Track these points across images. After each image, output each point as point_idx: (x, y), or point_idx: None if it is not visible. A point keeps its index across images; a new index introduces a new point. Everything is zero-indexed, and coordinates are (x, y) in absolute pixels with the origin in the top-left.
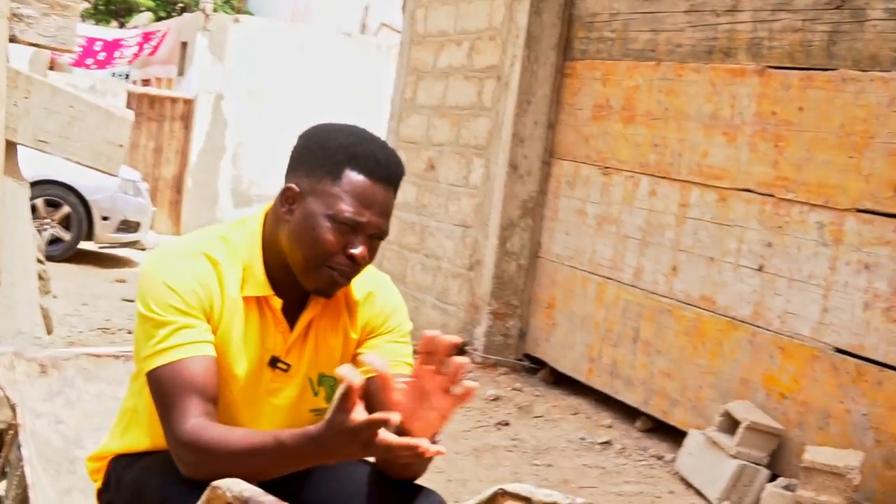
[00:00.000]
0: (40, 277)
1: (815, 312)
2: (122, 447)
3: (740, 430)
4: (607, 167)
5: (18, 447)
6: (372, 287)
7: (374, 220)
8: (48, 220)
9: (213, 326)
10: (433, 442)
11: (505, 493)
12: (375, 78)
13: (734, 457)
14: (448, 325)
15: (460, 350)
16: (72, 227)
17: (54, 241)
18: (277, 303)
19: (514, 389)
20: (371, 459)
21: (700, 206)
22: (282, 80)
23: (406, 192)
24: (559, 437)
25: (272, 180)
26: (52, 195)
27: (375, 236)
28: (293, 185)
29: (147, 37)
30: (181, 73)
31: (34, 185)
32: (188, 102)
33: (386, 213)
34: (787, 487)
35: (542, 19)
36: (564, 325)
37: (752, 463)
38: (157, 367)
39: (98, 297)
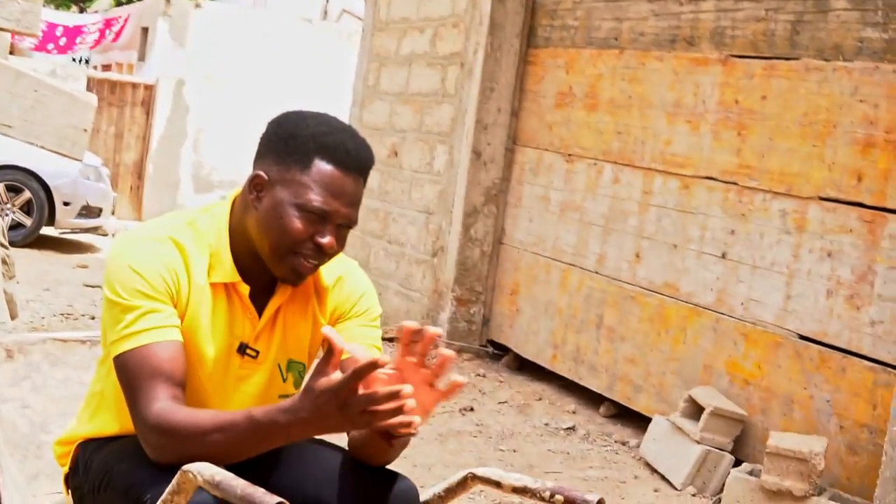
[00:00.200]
0: (4, 262)
1: (778, 299)
2: (90, 432)
3: (704, 415)
4: (570, 154)
5: None
6: (341, 272)
7: (342, 209)
8: (9, 206)
9: (181, 312)
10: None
11: (475, 478)
12: (337, 64)
13: (698, 442)
14: (412, 312)
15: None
16: (33, 213)
17: (15, 226)
18: (245, 289)
19: (479, 375)
20: (343, 445)
21: (663, 193)
22: (243, 65)
23: (369, 178)
24: (523, 422)
25: (233, 166)
26: (13, 180)
27: (344, 226)
28: (261, 173)
29: (109, 23)
30: (142, 58)
31: None
32: (149, 88)
33: (355, 202)
34: (751, 473)
35: (506, 6)
36: (528, 311)
37: (717, 448)
38: (124, 352)
39: (60, 282)
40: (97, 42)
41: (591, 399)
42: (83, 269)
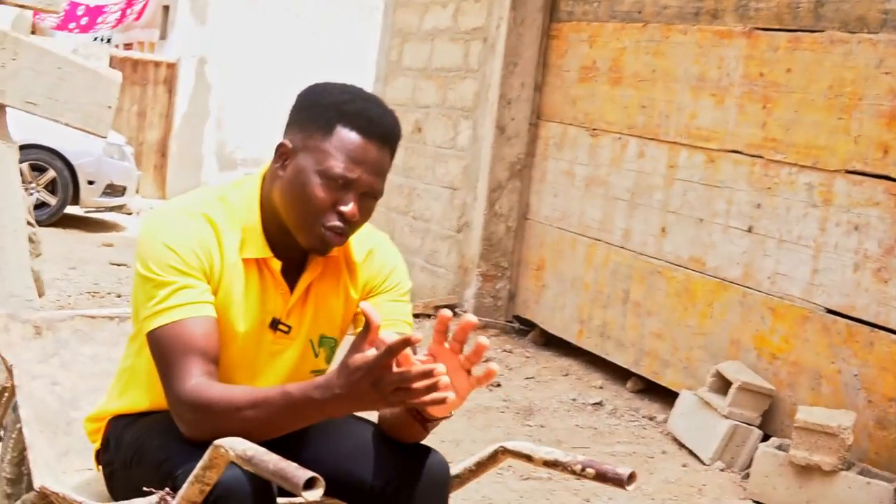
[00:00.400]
0: (31, 240)
1: (805, 273)
2: (121, 408)
3: (732, 390)
4: (595, 129)
5: (14, 409)
6: (371, 245)
7: (365, 177)
8: (33, 185)
9: (213, 288)
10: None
11: (506, 451)
12: (360, 40)
13: (726, 417)
14: (437, 288)
15: (453, 311)
16: (57, 192)
17: (40, 205)
18: (277, 264)
19: (505, 351)
20: (374, 420)
21: (688, 167)
22: (265, 42)
23: None
24: (551, 397)
25: (257, 144)
26: (38, 159)
27: (369, 195)
28: (286, 142)
29: (130, 2)
30: (163, 36)
31: (19, 149)
32: (171, 66)
33: (378, 171)
34: (779, 447)
35: None
36: (554, 286)
37: (745, 423)
38: (158, 328)
39: (86, 261)
40: (119, 21)
41: (618, 374)
42: (109, 248)
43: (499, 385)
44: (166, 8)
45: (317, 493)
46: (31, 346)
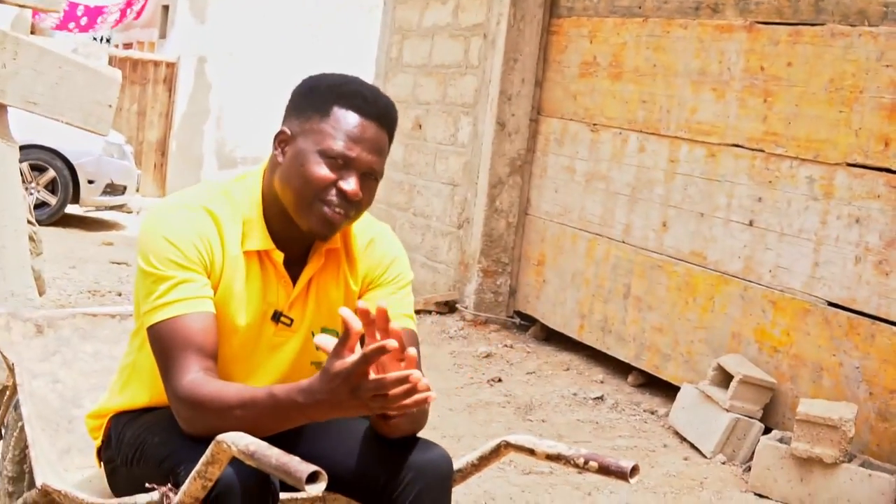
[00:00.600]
0: (31, 239)
1: (806, 266)
2: (121, 404)
3: (734, 383)
4: (595, 124)
5: (15, 407)
6: (372, 234)
7: (364, 155)
8: (34, 185)
9: (214, 281)
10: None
11: (509, 445)
12: (360, 38)
13: (728, 410)
14: (438, 284)
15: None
16: (58, 191)
17: (40, 205)
18: (279, 256)
19: (506, 346)
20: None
21: (689, 161)
22: (264, 41)
23: (393, 150)
24: (552, 392)
25: (257, 142)
26: (38, 159)
27: (369, 175)
28: (285, 129)
29: (130, 2)
30: (163, 36)
31: (19, 149)
32: (171, 65)
33: (377, 150)
34: (781, 440)
35: None
36: (555, 281)
37: (746, 416)
38: (158, 322)
39: (86, 260)
40: (118, 21)
41: (619, 368)
42: (109, 247)
43: (500, 380)
44: (166, 7)
45: (319, 487)
46: (32, 345)
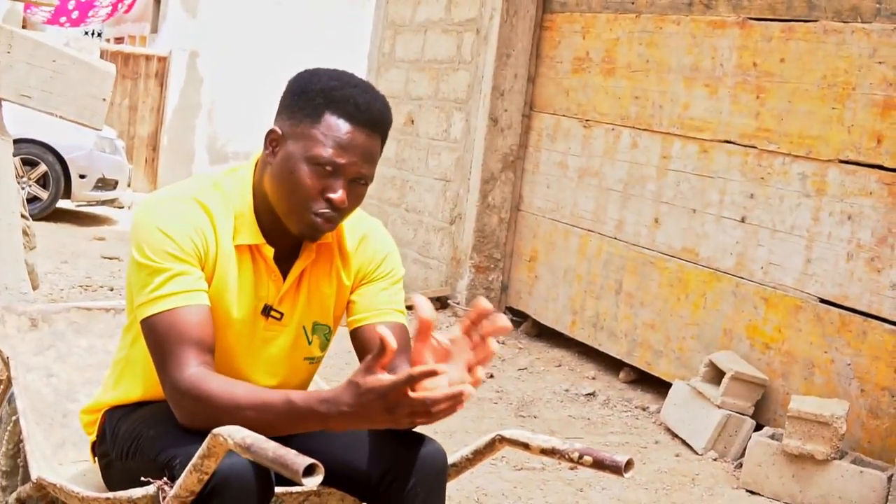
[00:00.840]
0: (25, 233)
1: (798, 263)
2: (115, 398)
3: (725, 380)
4: (588, 120)
5: (9, 402)
6: (364, 230)
7: (353, 163)
8: (25, 179)
9: (208, 274)
10: None
11: (503, 440)
12: (352, 32)
13: (719, 407)
14: (430, 279)
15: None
16: (49, 186)
17: (32, 199)
18: (269, 251)
19: (498, 342)
20: None
21: (682, 157)
22: (256, 35)
23: (386, 146)
24: (543, 388)
25: (248, 137)
26: (29, 154)
27: (358, 181)
28: (276, 129)
29: None
30: (154, 30)
31: None
32: (162, 60)
33: (367, 158)
34: (772, 437)
35: None
36: (547, 277)
37: (738, 413)
38: (153, 315)
39: (78, 255)
40: (109, 15)
41: (611, 365)
42: (100, 242)
43: (492, 376)
44: (157, 1)
45: (316, 480)
46: (26, 339)
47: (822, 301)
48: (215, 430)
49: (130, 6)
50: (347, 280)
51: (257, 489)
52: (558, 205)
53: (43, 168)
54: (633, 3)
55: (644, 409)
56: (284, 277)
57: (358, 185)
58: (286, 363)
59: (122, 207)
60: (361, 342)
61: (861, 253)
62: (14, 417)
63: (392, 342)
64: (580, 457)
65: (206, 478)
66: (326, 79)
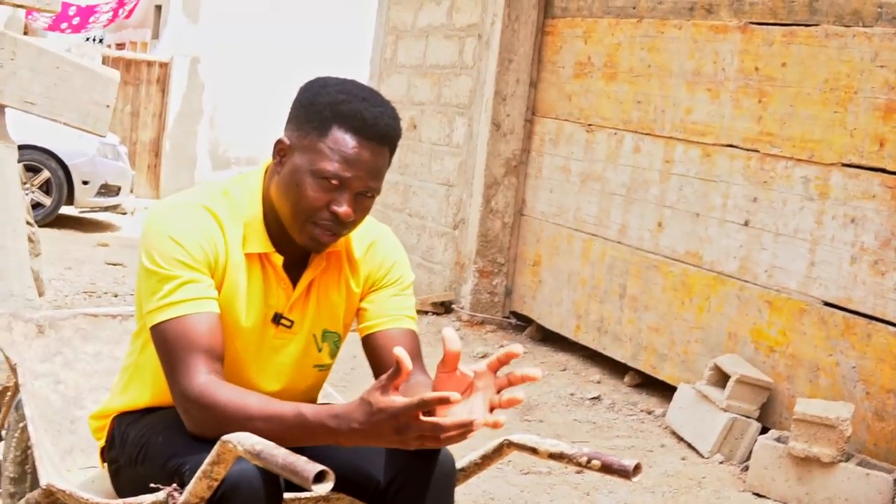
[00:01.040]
0: (30, 240)
1: (802, 266)
2: (123, 404)
3: (730, 383)
4: (590, 124)
5: (17, 408)
6: (373, 237)
7: (359, 177)
8: (28, 185)
9: (218, 282)
10: None
11: (511, 444)
12: (354, 37)
13: (725, 410)
14: (434, 284)
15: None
16: (52, 192)
17: (35, 206)
18: (278, 259)
19: (502, 347)
20: None
21: (684, 162)
22: (257, 41)
23: None
24: (548, 393)
25: (250, 143)
26: (32, 160)
27: (365, 194)
28: (284, 139)
29: (122, 1)
30: (156, 36)
31: None
32: (164, 66)
33: (374, 172)
34: (778, 440)
35: None
36: (550, 282)
37: (743, 416)
38: (162, 322)
39: (81, 261)
40: (110, 21)
41: (616, 369)
42: (104, 248)
43: None
44: (158, 7)
45: (326, 487)
46: (33, 345)
47: (827, 304)
48: (225, 437)
49: (131, 12)
50: (356, 287)
51: (266, 496)
52: (561, 209)
53: (46, 174)
54: (634, 8)
55: (649, 413)
56: (294, 285)
57: (365, 198)
58: (295, 370)
59: (125, 213)
60: (373, 348)
61: (865, 256)
62: (22, 424)
63: (408, 363)
64: (588, 461)
65: (215, 484)
66: (335, 91)
